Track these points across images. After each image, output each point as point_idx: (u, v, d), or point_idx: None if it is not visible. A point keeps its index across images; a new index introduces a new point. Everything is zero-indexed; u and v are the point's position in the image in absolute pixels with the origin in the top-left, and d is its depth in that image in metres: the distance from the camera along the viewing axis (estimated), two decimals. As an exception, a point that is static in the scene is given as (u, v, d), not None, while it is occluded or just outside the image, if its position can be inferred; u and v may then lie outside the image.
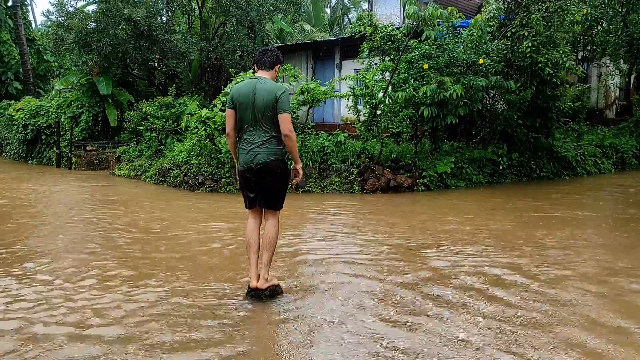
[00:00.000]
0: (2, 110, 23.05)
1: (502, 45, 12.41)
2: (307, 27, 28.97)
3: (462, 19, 12.42)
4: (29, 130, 20.11)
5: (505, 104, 13.22)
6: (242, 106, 4.34)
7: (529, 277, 5.24)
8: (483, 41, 12.36)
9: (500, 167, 13.03)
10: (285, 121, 4.28)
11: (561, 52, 12.31)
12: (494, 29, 12.97)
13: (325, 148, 12.50)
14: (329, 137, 12.85)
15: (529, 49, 12.03)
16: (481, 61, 11.81)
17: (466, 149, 13.20)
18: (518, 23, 12.40)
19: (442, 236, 7.24)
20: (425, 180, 11.91)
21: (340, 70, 18.92)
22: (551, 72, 12.22)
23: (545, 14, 12.12)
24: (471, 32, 12.46)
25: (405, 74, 12.01)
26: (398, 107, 11.99)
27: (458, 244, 6.72)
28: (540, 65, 12.13)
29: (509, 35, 12.69)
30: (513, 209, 9.58)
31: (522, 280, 5.16)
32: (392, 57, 12.95)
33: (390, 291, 4.84)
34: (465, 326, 3.97)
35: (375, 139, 12.70)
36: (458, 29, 13.03)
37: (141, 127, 15.97)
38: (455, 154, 12.71)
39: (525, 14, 12.28)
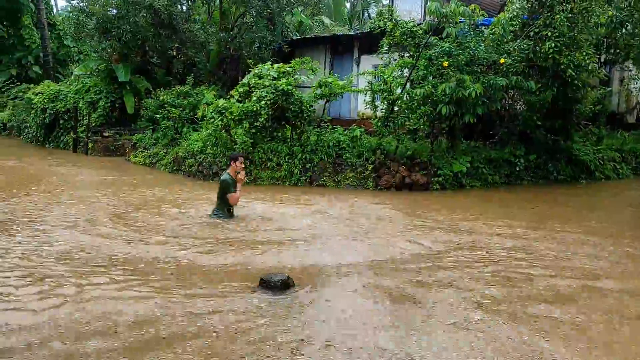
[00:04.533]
0: (21, 94, 23.24)
1: (524, 45, 12.23)
2: (327, 20, 28.78)
3: (484, 17, 12.26)
4: (48, 114, 20.25)
5: (525, 104, 13.05)
6: None
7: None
8: (505, 40, 12.20)
9: (517, 169, 12.88)
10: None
11: (584, 54, 12.10)
12: (517, 28, 12.76)
13: (341, 143, 12.44)
14: (345, 132, 12.79)
15: (551, 50, 11.85)
16: (502, 60, 11.67)
17: (483, 148, 13.07)
18: (541, 23, 12.21)
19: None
20: (440, 179, 11.81)
21: (358, 65, 18.81)
22: (573, 74, 12.02)
23: (570, 15, 11.91)
24: (493, 30, 12.30)
25: (425, 71, 11.90)
26: (416, 104, 11.89)
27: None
28: (562, 66, 11.95)
29: (531, 35, 12.51)
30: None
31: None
32: (411, 53, 12.83)
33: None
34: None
35: (391, 136, 12.61)
36: (480, 27, 12.86)
37: (158, 115, 16.01)
38: (472, 153, 12.59)
39: (549, 14, 12.10)
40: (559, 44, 11.84)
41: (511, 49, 12.12)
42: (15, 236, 6.70)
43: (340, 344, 3.87)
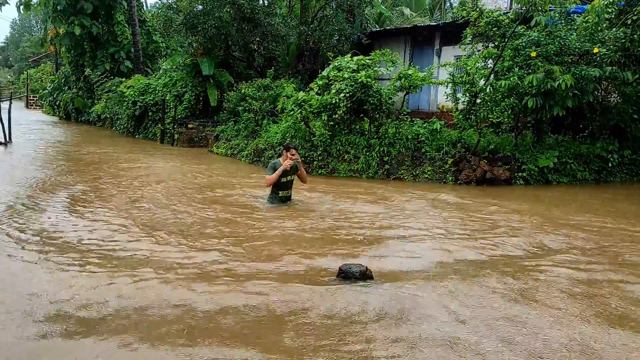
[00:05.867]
0: (114, 87, 24.65)
1: (621, 34, 11.44)
2: (407, 11, 28.30)
3: (577, 4, 11.60)
4: (138, 106, 21.36)
5: (620, 96, 12.24)
6: None
7: None
8: (599, 28, 11.46)
9: (610, 165, 12.14)
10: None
11: (689, 42, 11.16)
12: (612, 16, 11.97)
13: (420, 136, 12.24)
14: (424, 125, 12.56)
15: (651, 38, 11.03)
16: (596, 50, 10.98)
17: (572, 143, 12.40)
18: (641, 9, 11.38)
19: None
20: (524, 174, 11.35)
21: (439, 57, 18.40)
22: (676, 64, 11.14)
23: (674, 0, 11.03)
24: (586, 18, 11.59)
25: (510, 62, 11.43)
26: (500, 96, 11.46)
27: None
28: (663, 56, 11.10)
29: (629, 22, 11.68)
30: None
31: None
32: (496, 43, 12.37)
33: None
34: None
35: (472, 129, 12.25)
36: (572, 15, 12.18)
37: (239, 108, 16.45)
38: (560, 148, 11.99)
39: (650, 0, 11.26)
40: (660, 32, 11.00)
41: (606, 37, 11.38)
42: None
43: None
